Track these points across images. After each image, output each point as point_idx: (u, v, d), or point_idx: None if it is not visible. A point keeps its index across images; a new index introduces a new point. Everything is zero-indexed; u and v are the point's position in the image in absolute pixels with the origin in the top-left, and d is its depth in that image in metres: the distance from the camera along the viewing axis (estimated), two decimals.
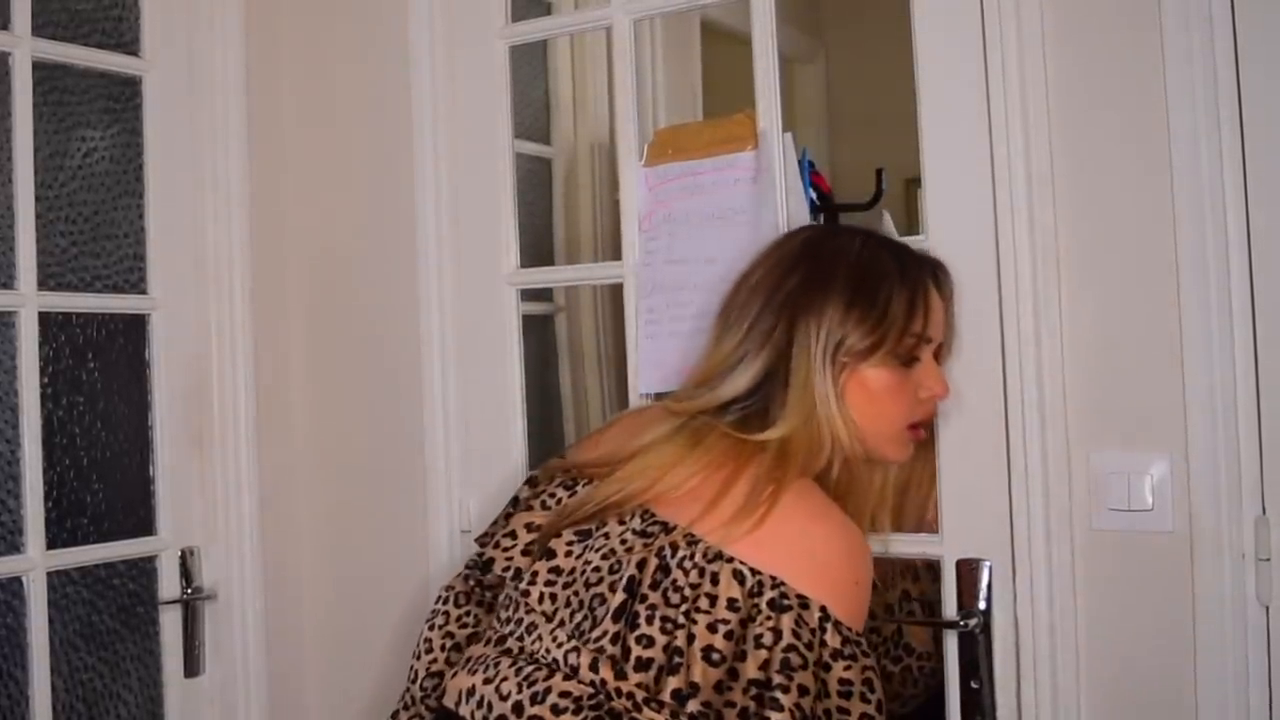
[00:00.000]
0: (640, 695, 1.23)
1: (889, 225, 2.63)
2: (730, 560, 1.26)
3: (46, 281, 1.85)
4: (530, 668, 1.32)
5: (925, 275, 1.45)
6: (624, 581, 1.29)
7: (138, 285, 1.97)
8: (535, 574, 1.37)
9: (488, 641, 1.41)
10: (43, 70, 1.85)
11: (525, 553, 1.42)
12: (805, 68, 3.10)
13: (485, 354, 1.92)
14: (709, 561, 1.27)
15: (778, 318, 1.40)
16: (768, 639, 1.22)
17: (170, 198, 1.98)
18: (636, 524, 1.34)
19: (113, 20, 1.95)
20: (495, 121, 1.91)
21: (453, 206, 1.94)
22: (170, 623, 1.98)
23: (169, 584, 1.98)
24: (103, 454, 1.93)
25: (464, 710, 1.34)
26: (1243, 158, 1.42)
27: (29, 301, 1.82)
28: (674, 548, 1.29)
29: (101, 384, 1.93)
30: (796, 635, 1.22)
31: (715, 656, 1.22)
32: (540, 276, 2.08)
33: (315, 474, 2.10)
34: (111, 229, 1.95)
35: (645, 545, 1.31)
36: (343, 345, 2.07)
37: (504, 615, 1.41)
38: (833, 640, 1.23)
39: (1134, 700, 1.48)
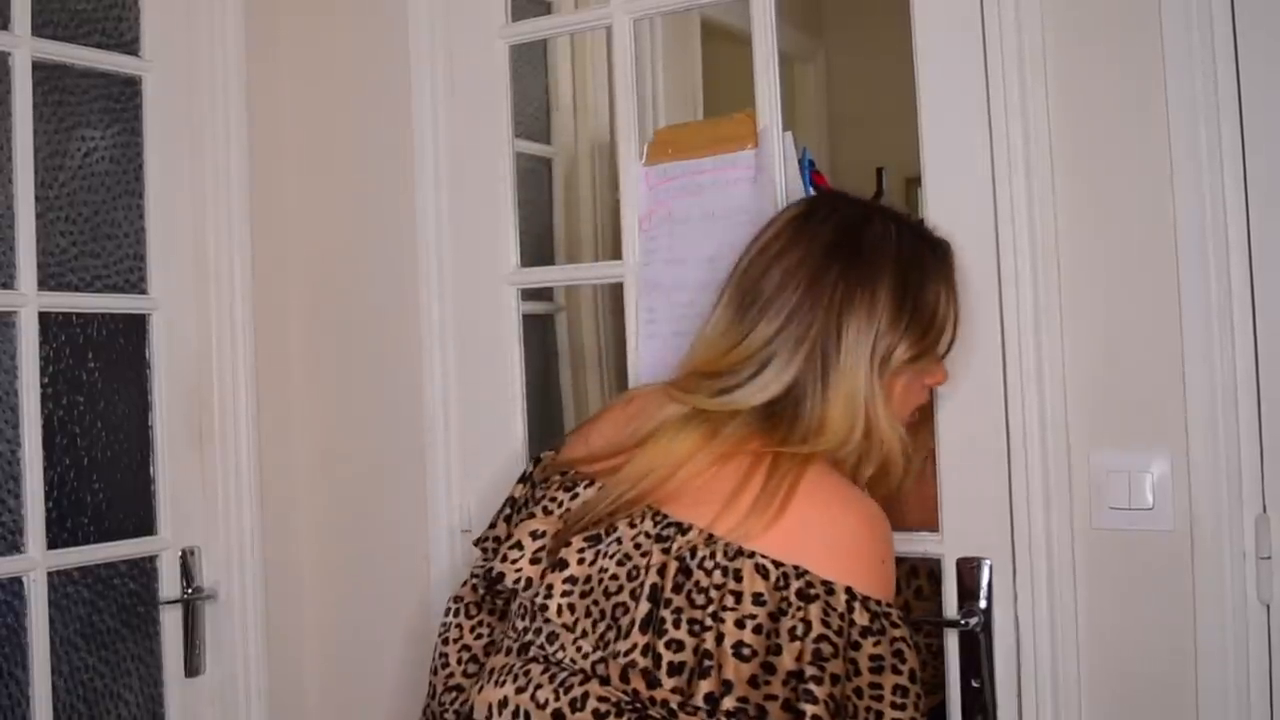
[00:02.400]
0: (675, 701, 1.22)
1: None
2: (752, 555, 1.24)
3: (47, 281, 1.85)
4: (564, 674, 1.29)
5: (952, 265, 1.43)
6: (646, 590, 1.26)
7: (138, 285, 1.97)
8: (550, 586, 1.32)
9: (508, 651, 1.37)
10: (43, 70, 1.85)
11: (534, 561, 1.36)
12: (805, 67, 3.10)
13: (485, 353, 1.92)
14: (730, 559, 1.24)
15: (819, 315, 1.33)
16: (800, 630, 1.21)
17: (170, 197, 1.98)
18: (649, 526, 1.30)
19: (113, 20, 1.95)
20: (495, 121, 1.91)
21: (453, 206, 1.94)
22: (171, 622, 1.98)
23: (169, 584, 1.98)
24: (103, 454, 1.93)
25: None
26: (1243, 157, 1.42)
27: (29, 301, 1.82)
28: (693, 550, 1.26)
29: (102, 384, 1.93)
30: (826, 624, 1.21)
31: (746, 652, 1.21)
32: (540, 276, 2.08)
33: (315, 474, 2.10)
34: (112, 229, 1.95)
35: (663, 550, 1.28)
36: (343, 344, 2.07)
37: (521, 625, 1.37)
38: (861, 619, 1.22)
39: (1135, 698, 1.48)
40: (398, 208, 1.97)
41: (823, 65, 3.13)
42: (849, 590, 1.23)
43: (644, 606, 1.25)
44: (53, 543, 1.84)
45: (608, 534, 1.32)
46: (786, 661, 1.20)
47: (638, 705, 1.24)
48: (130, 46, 1.97)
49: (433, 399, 1.94)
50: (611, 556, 1.31)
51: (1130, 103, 1.47)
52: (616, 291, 1.84)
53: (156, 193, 1.97)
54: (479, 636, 1.51)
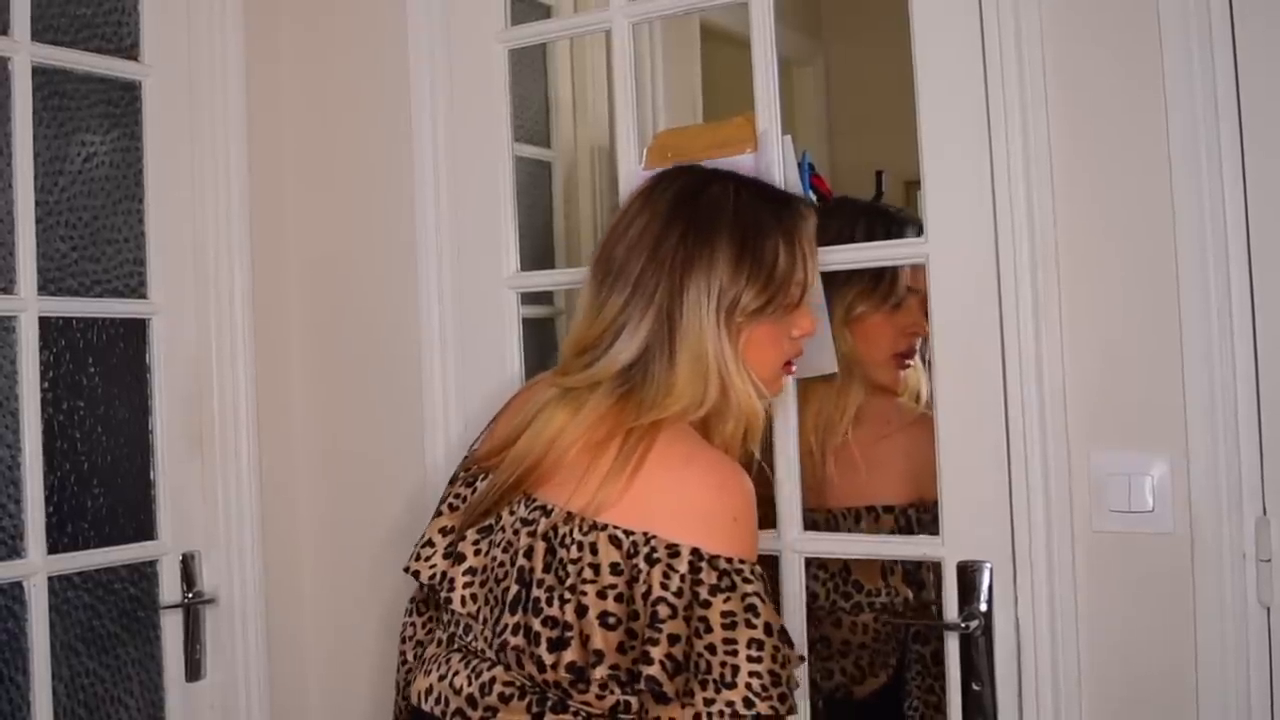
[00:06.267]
0: (567, 680, 1.27)
1: None
2: (605, 528, 1.29)
3: (47, 286, 1.85)
4: (476, 660, 1.37)
5: (798, 218, 1.45)
6: (515, 572, 1.33)
7: (138, 290, 1.97)
8: (453, 580, 1.41)
9: (439, 643, 1.46)
10: (42, 75, 1.85)
11: (447, 557, 1.43)
12: (804, 70, 3.11)
13: (485, 357, 1.92)
14: (585, 534, 1.30)
15: (663, 277, 1.37)
16: (645, 593, 1.26)
17: (170, 202, 1.98)
18: (522, 511, 1.37)
19: (112, 25, 1.95)
20: (495, 125, 1.91)
21: (452, 210, 1.94)
22: (171, 627, 1.98)
23: (170, 588, 1.98)
24: (103, 458, 1.93)
25: (426, 707, 1.40)
26: (1242, 157, 1.42)
27: (29, 306, 1.82)
28: (555, 529, 1.32)
29: (102, 388, 1.93)
30: (665, 586, 1.25)
31: (611, 620, 1.26)
32: (540, 279, 2.08)
33: (316, 478, 2.10)
34: (111, 233, 1.95)
35: (529, 533, 1.34)
36: (343, 349, 2.07)
37: (446, 618, 1.46)
38: (709, 578, 1.25)
39: (1135, 701, 1.48)
40: (397, 212, 1.97)
41: (822, 68, 3.14)
42: (695, 551, 1.26)
43: (514, 589, 1.32)
44: (53, 547, 1.83)
45: (496, 523, 1.40)
46: (640, 627, 1.26)
47: (538, 687, 1.30)
48: (130, 51, 1.97)
49: (433, 403, 1.94)
50: (498, 545, 1.38)
51: (1129, 104, 1.47)
52: None
53: (156, 197, 1.97)
54: (429, 631, 1.56)
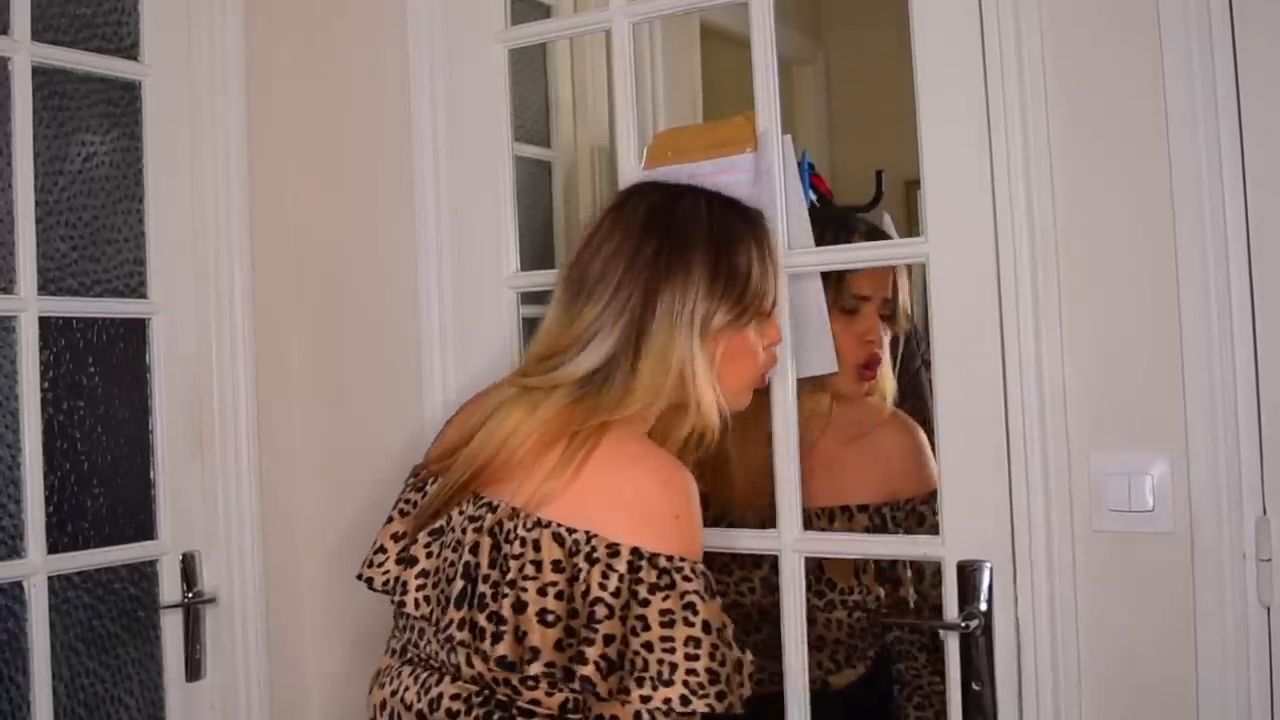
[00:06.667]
0: (516, 678, 1.28)
1: (889, 226, 2.63)
2: (549, 525, 1.30)
3: (47, 286, 1.85)
4: (425, 673, 1.39)
5: (765, 229, 1.48)
6: (460, 569, 1.34)
7: (138, 289, 1.97)
8: (405, 583, 1.41)
9: (393, 653, 1.48)
10: (42, 75, 1.85)
11: (399, 562, 1.44)
12: (804, 69, 3.11)
13: (485, 357, 1.91)
14: (529, 530, 1.31)
15: (637, 289, 1.39)
16: (584, 592, 1.27)
17: (170, 202, 1.98)
18: (470, 510, 1.38)
19: (112, 25, 1.95)
20: (495, 125, 1.91)
21: (453, 210, 1.94)
22: (171, 627, 1.98)
23: (170, 588, 1.98)
24: (103, 458, 1.93)
25: None
26: (1242, 157, 1.42)
27: (29, 306, 1.82)
28: (500, 525, 1.33)
29: (102, 388, 1.93)
30: (603, 587, 1.26)
31: (550, 618, 1.27)
32: (540, 279, 2.06)
33: (316, 477, 2.10)
34: (111, 233, 1.95)
35: (475, 530, 1.35)
36: (343, 349, 2.07)
37: (399, 625, 1.47)
38: (649, 576, 1.27)
39: (1135, 701, 1.48)
40: (398, 212, 1.97)
41: (822, 68, 3.14)
42: (635, 550, 1.27)
43: (459, 584, 1.33)
44: (53, 547, 1.83)
45: (447, 524, 1.41)
46: (579, 625, 1.27)
47: (487, 694, 1.31)
48: (130, 51, 1.97)
49: (433, 403, 1.94)
50: (449, 545, 1.39)
51: (1129, 103, 1.47)
52: None
53: (156, 197, 1.97)
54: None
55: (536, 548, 1.30)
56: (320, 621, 2.10)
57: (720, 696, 1.25)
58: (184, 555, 1.98)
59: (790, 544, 1.67)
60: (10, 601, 1.79)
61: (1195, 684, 1.43)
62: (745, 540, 1.80)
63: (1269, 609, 1.41)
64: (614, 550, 1.27)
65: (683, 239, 1.41)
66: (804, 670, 1.65)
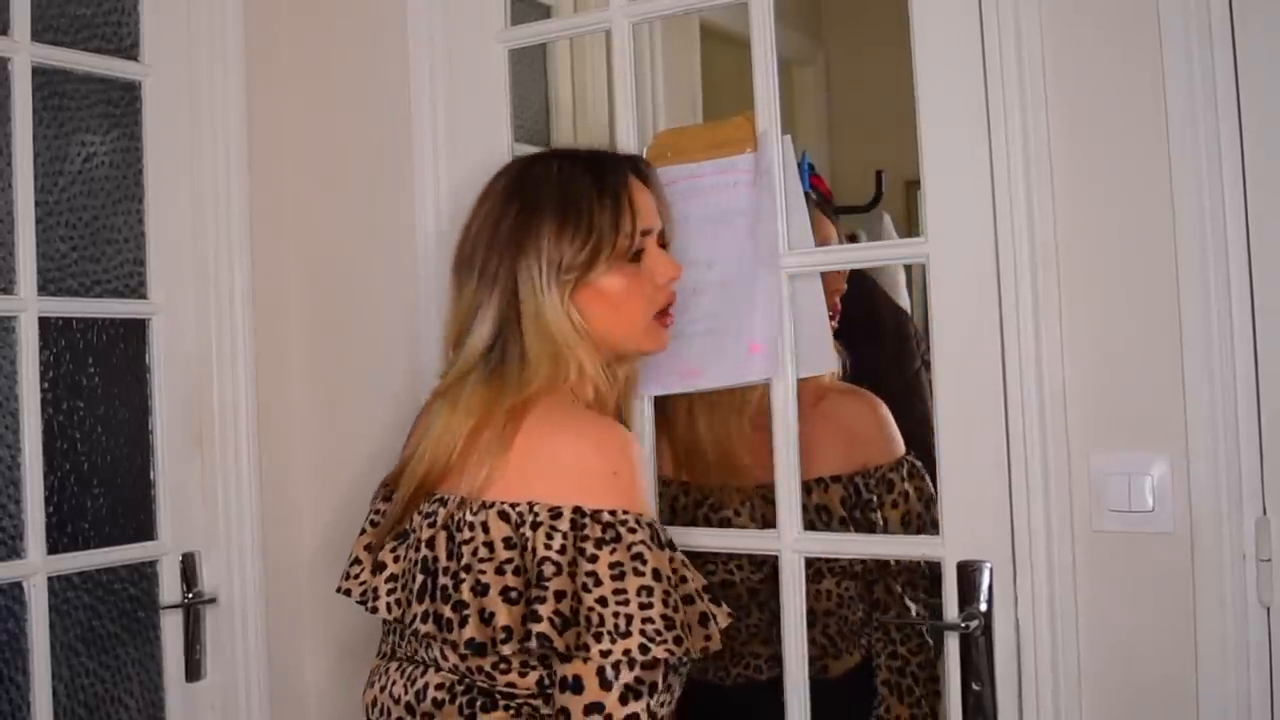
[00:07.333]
0: (488, 663, 1.32)
1: (889, 227, 2.64)
2: (493, 505, 1.34)
3: (46, 286, 1.85)
4: (411, 668, 1.43)
5: (624, 174, 1.50)
6: (419, 564, 1.40)
7: (138, 290, 1.97)
8: (376, 590, 1.46)
9: (382, 655, 1.52)
10: (42, 75, 1.85)
11: (373, 571, 1.49)
12: (804, 70, 3.11)
13: None
14: (475, 514, 1.36)
15: (499, 258, 1.44)
16: (531, 557, 1.30)
17: (170, 202, 1.98)
18: (425, 508, 1.44)
19: (112, 25, 1.95)
20: (495, 125, 1.91)
21: (453, 210, 1.94)
22: (171, 627, 1.98)
23: (170, 588, 1.98)
24: (103, 458, 1.93)
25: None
26: (1242, 157, 1.42)
27: (29, 306, 1.82)
28: (451, 517, 1.37)
29: (102, 388, 1.93)
30: (548, 546, 1.30)
31: (513, 594, 1.31)
32: None
33: (316, 478, 2.10)
34: (111, 234, 1.95)
35: (429, 525, 1.41)
36: (343, 349, 2.07)
37: (385, 629, 1.52)
38: (594, 532, 1.30)
39: (1135, 701, 1.48)
40: (397, 212, 1.97)
41: (822, 68, 3.14)
42: (577, 509, 1.31)
43: (419, 579, 1.39)
44: (53, 548, 1.83)
45: (410, 528, 1.45)
46: (533, 594, 1.30)
47: (466, 681, 1.35)
48: (130, 51, 1.97)
49: None
50: (412, 547, 1.44)
51: (1129, 104, 1.47)
52: None
53: (156, 197, 1.97)
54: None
55: (485, 529, 1.34)
56: (320, 622, 2.10)
57: (678, 641, 1.28)
58: (184, 555, 1.98)
59: (790, 544, 1.66)
60: (10, 602, 1.79)
61: (1195, 684, 1.43)
62: (745, 540, 1.80)
63: (1269, 609, 1.41)
64: (556, 513, 1.31)
65: (533, 202, 1.45)
66: (804, 671, 1.65)
